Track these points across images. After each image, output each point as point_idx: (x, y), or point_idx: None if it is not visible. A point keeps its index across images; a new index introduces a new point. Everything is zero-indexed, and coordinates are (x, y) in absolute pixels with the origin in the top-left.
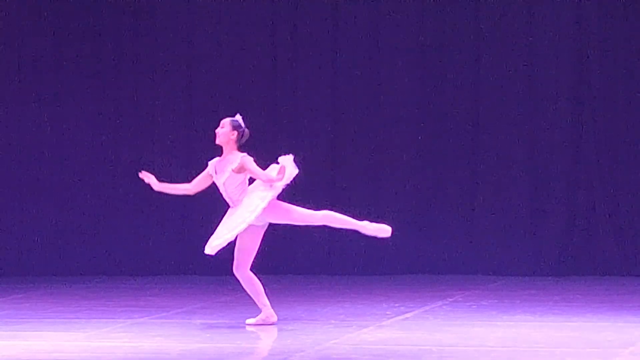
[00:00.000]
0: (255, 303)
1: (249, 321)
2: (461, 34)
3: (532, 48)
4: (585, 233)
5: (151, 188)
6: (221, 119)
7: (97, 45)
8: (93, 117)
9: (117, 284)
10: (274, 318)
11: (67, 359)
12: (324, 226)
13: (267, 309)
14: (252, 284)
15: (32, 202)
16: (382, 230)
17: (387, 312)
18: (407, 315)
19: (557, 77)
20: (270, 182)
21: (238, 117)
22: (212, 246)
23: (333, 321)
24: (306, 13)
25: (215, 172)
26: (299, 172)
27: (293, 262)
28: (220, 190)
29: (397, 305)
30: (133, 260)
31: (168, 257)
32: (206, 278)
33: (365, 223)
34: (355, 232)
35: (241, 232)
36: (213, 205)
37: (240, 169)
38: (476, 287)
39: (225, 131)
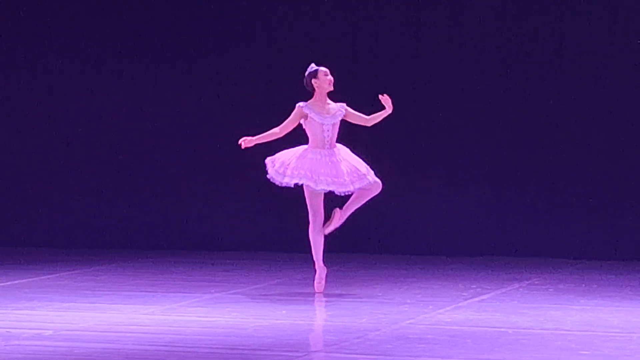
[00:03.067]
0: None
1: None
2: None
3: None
4: None
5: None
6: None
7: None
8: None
9: (195, 259)
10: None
11: (144, 332)
12: (404, 206)
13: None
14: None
15: (104, 174)
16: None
17: (464, 293)
18: (484, 297)
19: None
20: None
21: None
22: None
23: (409, 301)
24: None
25: (325, 114)
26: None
27: (369, 241)
28: (321, 131)
29: (473, 286)
30: (210, 235)
31: (245, 233)
32: (281, 255)
33: None
34: (437, 213)
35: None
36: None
37: (346, 117)
38: (553, 270)
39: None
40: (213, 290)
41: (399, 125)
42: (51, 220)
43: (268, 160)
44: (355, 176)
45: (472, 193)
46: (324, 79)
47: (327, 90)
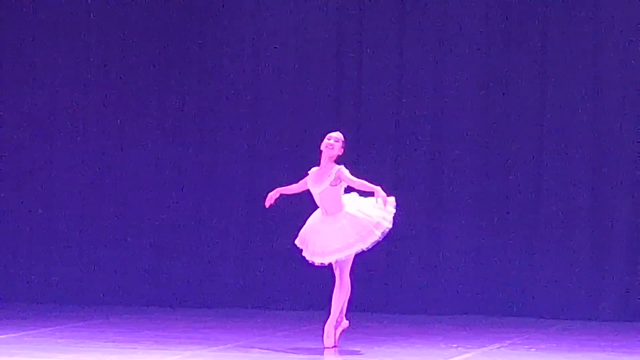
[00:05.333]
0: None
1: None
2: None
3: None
4: None
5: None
6: (329, 132)
7: (159, 45)
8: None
9: (175, 315)
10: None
11: None
12: (384, 265)
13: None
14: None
15: (92, 234)
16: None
17: (444, 353)
18: (465, 356)
19: (622, 122)
20: (365, 188)
21: (340, 135)
22: (331, 258)
23: (389, 359)
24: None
25: (313, 182)
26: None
27: (351, 299)
28: (316, 200)
29: (454, 345)
30: (192, 292)
31: (226, 290)
32: (262, 312)
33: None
34: (414, 272)
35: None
36: (272, 239)
37: (337, 180)
38: (535, 330)
39: (338, 146)
40: (194, 347)
41: (385, 179)
42: (31, 275)
43: None
44: (325, 250)
45: (453, 252)
46: (323, 143)
47: (326, 155)
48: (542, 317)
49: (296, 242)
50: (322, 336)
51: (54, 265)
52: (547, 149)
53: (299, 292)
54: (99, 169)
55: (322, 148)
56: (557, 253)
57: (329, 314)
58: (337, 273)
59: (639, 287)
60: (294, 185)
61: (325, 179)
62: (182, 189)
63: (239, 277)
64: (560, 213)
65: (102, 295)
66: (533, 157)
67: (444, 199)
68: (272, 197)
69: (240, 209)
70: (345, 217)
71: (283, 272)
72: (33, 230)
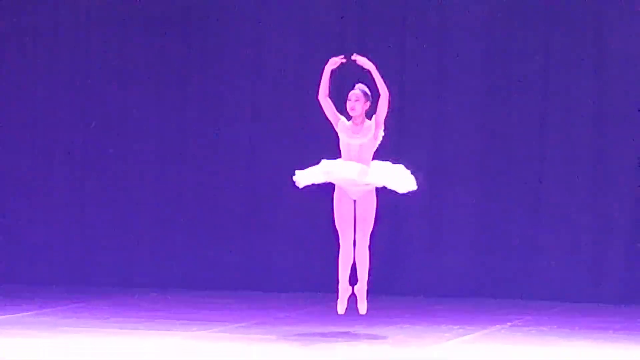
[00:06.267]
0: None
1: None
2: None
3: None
4: None
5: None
6: (350, 91)
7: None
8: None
9: (177, 296)
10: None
11: None
12: (387, 246)
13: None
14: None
15: (92, 211)
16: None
17: (446, 334)
18: (466, 337)
19: (626, 101)
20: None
21: (362, 86)
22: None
23: (390, 340)
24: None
25: (352, 134)
26: None
27: (352, 281)
28: (348, 152)
29: (456, 327)
30: (194, 274)
31: (229, 272)
32: (263, 294)
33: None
34: (418, 254)
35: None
36: (275, 222)
37: (377, 130)
38: (536, 312)
39: (360, 105)
40: (195, 329)
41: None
42: (32, 255)
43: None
44: (374, 171)
45: (455, 234)
46: (347, 103)
47: (354, 116)
48: (543, 299)
49: (307, 182)
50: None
51: (54, 246)
52: (550, 123)
53: (300, 274)
54: (98, 142)
55: (348, 111)
56: (559, 235)
57: (357, 280)
58: (361, 235)
59: None
60: (328, 86)
61: (367, 133)
62: (182, 167)
63: (242, 258)
64: (562, 194)
65: (102, 276)
66: (536, 137)
67: (445, 182)
68: (335, 62)
69: (242, 186)
70: (382, 163)
71: (285, 253)
72: (32, 210)
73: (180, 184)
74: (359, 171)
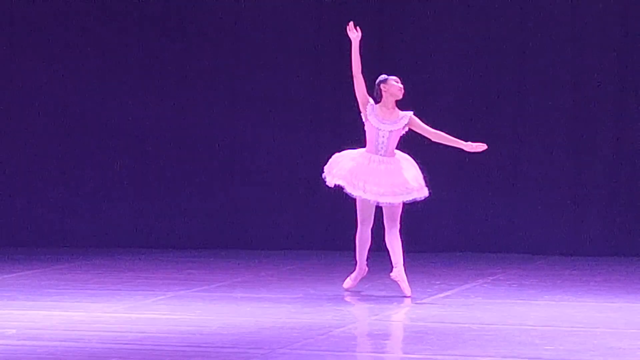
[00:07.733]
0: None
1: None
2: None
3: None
4: (628, 213)
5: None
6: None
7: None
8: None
9: (159, 257)
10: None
11: (108, 330)
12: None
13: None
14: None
15: (74, 172)
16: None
17: (428, 290)
18: (448, 292)
19: (602, 58)
20: (442, 140)
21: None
22: (409, 197)
23: (374, 297)
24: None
25: (383, 119)
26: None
27: (333, 239)
28: (376, 136)
29: (437, 282)
30: (175, 234)
31: (210, 231)
32: (247, 252)
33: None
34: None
35: None
36: (254, 180)
37: (409, 125)
38: (517, 266)
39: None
40: (178, 288)
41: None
42: (13, 218)
43: (333, 157)
44: (398, 190)
45: (436, 189)
46: (393, 85)
47: (396, 98)
48: (525, 253)
49: (336, 181)
50: (395, 276)
51: (35, 209)
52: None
53: (283, 231)
54: (79, 115)
55: (389, 89)
56: (539, 188)
57: (391, 264)
58: (388, 219)
59: (620, 221)
60: (360, 64)
61: (400, 121)
62: (162, 134)
63: (224, 217)
64: (542, 148)
65: (83, 238)
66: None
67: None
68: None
69: (221, 153)
70: (406, 158)
71: (266, 211)
72: (14, 174)
73: (163, 141)
74: (381, 194)
